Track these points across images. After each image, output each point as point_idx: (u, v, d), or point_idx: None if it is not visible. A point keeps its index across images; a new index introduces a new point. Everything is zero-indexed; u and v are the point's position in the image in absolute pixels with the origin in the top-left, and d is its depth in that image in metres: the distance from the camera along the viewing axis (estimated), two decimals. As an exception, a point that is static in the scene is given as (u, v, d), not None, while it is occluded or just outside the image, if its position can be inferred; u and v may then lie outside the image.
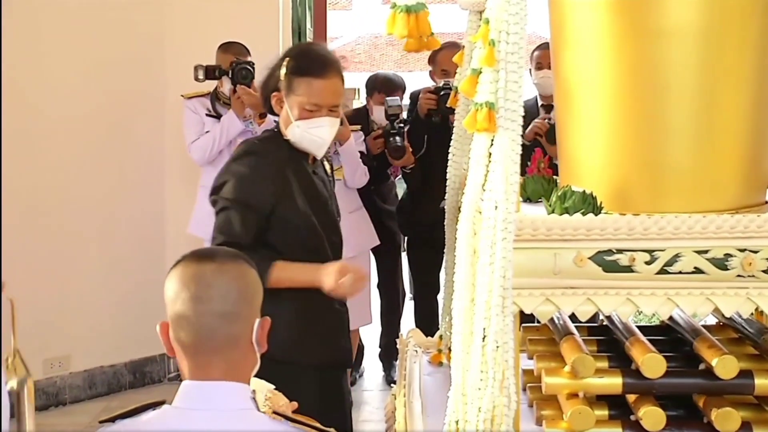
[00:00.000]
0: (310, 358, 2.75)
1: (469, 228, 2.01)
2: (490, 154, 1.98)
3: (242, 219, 2.65)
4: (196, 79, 4.46)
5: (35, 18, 4.72)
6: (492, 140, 1.97)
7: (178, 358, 1.74)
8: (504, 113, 1.95)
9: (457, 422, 1.97)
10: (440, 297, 5.09)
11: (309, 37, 5.41)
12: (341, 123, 4.36)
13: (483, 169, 1.99)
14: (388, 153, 4.55)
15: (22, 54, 4.63)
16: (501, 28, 1.94)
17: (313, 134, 2.74)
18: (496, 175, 1.95)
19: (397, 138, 4.50)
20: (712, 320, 2.75)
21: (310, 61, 2.76)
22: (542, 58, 4.48)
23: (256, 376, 1.82)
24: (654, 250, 2.04)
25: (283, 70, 2.75)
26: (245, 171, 2.71)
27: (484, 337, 1.92)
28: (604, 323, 2.60)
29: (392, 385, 3.08)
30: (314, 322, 2.76)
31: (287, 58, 2.78)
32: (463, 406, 1.96)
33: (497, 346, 1.91)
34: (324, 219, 2.79)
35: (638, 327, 2.44)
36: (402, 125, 4.57)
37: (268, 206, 2.68)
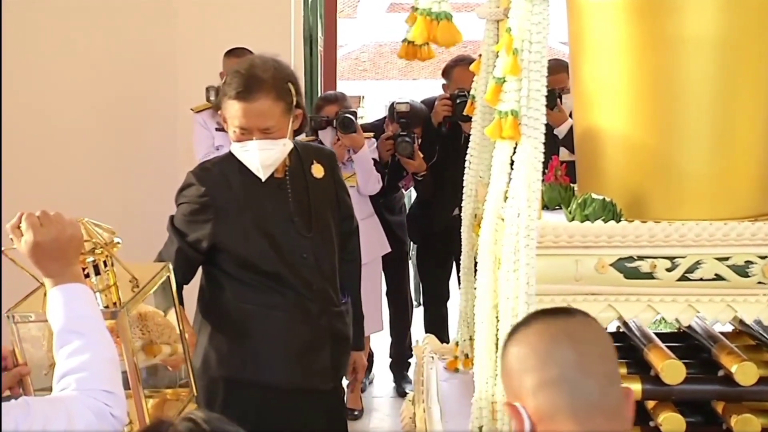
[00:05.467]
0: (259, 376, 2.69)
1: (491, 235, 2.03)
2: (513, 162, 1.99)
3: (176, 261, 2.58)
4: (208, 99, 4.48)
5: (45, 28, 4.74)
6: (514, 148, 1.99)
7: None
8: (527, 121, 1.97)
9: (480, 428, 1.98)
10: (449, 304, 5.12)
11: (320, 45, 5.43)
12: (354, 131, 4.39)
13: (505, 177, 2.01)
14: (398, 152, 4.54)
15: (31, 64, 4.65)
16: (524, 37, 1.95)
17: (244, 158, 2.63)
18: (519, 182, 1.96)
19: (407, 138, 4.51)
20: (722, 326, 2.75)
21: (235, 81, 2.58)
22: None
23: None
24: (675, 257, 2.05)
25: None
26: (186, 210, 2.68)
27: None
28: (621, 330, 2.61)
29: (407, 393, 3.08)
30: (263, 337, 2.69)
31: (226, 76, 2.67)
32: (489, 413, 1.97)
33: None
34: (284, 237, 2.68)
35: (654, 334, 2.45)
36: (413, 133, 4.57)
37: (205, 244, 2.66)
